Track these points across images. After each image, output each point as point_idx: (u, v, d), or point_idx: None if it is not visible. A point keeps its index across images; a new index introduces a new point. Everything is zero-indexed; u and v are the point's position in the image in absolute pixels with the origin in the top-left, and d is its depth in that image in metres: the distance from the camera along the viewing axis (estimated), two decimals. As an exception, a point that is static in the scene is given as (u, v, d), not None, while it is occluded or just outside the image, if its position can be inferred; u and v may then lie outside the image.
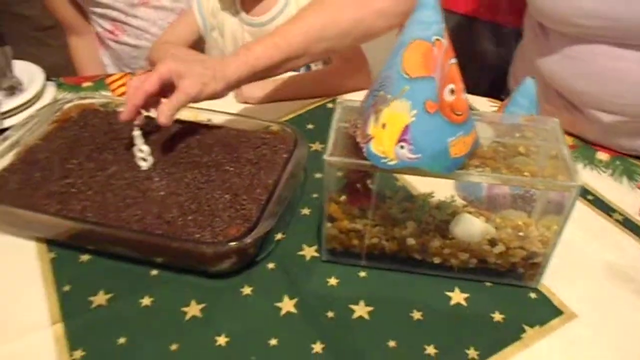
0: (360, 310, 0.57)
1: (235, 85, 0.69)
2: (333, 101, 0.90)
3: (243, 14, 0.99)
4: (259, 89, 0.88)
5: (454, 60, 0.49)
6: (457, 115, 0.50)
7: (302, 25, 0.72)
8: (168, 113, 0.64)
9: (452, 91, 0.49)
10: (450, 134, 0.50)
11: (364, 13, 0.74)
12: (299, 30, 0.72)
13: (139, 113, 0.65)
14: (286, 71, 0.76)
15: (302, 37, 0.71)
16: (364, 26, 0.75)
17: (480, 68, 1.19)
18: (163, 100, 0.65)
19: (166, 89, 0.65)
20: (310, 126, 0.84)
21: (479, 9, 1.17)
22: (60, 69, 1.22)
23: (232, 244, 0.56)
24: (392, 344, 0.54)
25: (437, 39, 0.47)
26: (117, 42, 1.14)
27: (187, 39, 1.04)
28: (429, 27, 0.47)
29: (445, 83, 0.49)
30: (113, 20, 1.11)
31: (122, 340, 0.54)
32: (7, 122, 0.76)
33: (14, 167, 0.68)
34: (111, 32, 1.13)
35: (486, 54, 1.21)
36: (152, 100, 0.65)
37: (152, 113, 0.65)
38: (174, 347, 0.53)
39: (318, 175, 0.75)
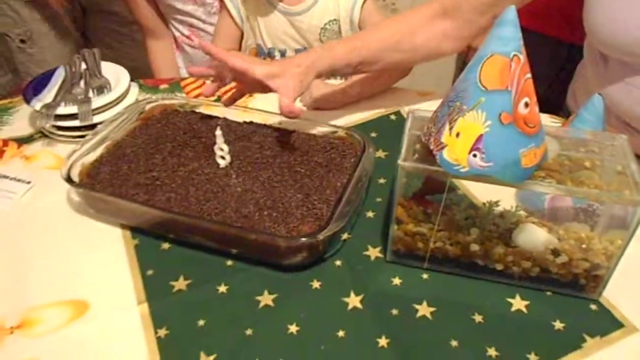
0: (423, 309, 0.60)
1: (317, 76, 0.76)
2: (395, 113, 0.93)
3: (278, 4, 1.03)
4: (327, 88, 0.93)
5: (529, 76, 0.52)
6: (530, 127, 0.52)
7: (382, 34, 0.79)
8: (295, 111, 0.71)
9: (527, 104, 0.52)
10: (522, 145, 0.52)
11: (432, 34, 0.79)
12: (378, 37, 0.78)
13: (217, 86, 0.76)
14: (358, 73, 0.82)
15: (380, 44, 0.77)
16: (431, 47, 0.80)
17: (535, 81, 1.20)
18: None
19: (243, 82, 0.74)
20: (373, 134, 0.87)
21: (532, 21, 1.18)
22: (143, 61, 1.30)
23: (305, 239, 0.60)
24: (454, 343, 0.56)
25: (515, 55, 0.50)
26: (192, 46, 1.22)
27: (234, 37, 1.10)
28: (508, 43, 0.50)
29: (521, 97, 0.51)
30: (190, 26, 1.18)
31: (201, 322, 0.58)
32: (96, 118, 0.83)
33: (104, 159, 0.74)
34: (188, 37, 1.21)
35: (540, 67, 1.22)
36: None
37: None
38: (249, 331, 0.57)
39: (381, 181, 0.78)
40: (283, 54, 1.09)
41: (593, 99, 0.68)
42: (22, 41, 1.46)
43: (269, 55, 1.09)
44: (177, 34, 1.23)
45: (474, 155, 0.53)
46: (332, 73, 0.78)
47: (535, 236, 0.61)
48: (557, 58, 1.20)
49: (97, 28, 1.55)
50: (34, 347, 0.56)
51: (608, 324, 0.59)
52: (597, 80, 0.84)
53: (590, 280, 0.60)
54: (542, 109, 0.93)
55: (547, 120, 0.92)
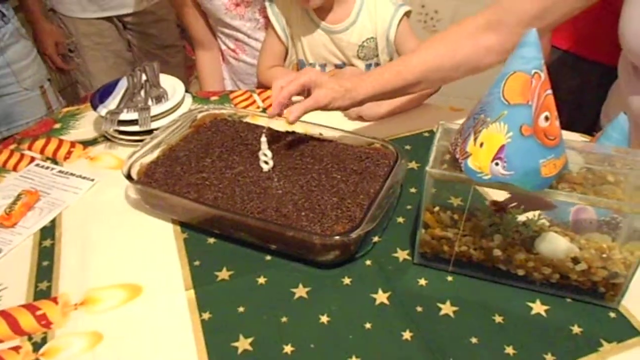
0: (447, 308, 0.64)
1: (359, 104, 0.81)
2: (428, 131, 0.98)
3: (318, 21, 1.11)
4: (376, 107, 0.98)
5: (549, 92, 0.56)
6: (550, 139, 0.56)
7: (424, 57, 0.82)
8: (297, 114, 0.77)
9: (547, 118, 0.56)
10: (542, 155, 0.56)
11: (474, 49, 0.82)
12: (420, 61, 0.82)
13: (281, 111, 0.79)
14: (402, 95, 0.87)
15: (422, 67, 0.81)
16: (473, 61, 0.83)
17: (579, 103, 1.21)
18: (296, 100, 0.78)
19: (301, 93, 0.79)
20: (407, 147, 0.92)
21: (581, 47, 1.21)
22: None
23: (338, 238, 0.66)
24: (474, 340, 0.60)
25: (536, 72, 0.54)
26: (236, 59, 1.30)
27: (280, 53, 1.18)
28: (530, 62, 0.54)
29: (541, 111, 0.55)
30: (236, 40, 1.27)
31: (241, 309, 0.64)
32: (154, 124, 0.91)
33: (159, 160, 0.82)
34: (233, 51, 1.29)
35: (585, 90, 1.24)
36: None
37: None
38: (284, 319, 0.63)
39: (413, 190, 0.83)
40: (323, 68, 1.16)
41: (619, 117, 0.71)
42: (70, 50, 1.60)
43: None
44: (223, 47, 1.32)
45: (496, 164, 0.57)
46: (378, 98, 0.82)
47: (556, 244, 0.64)
48: (606, 83, 1.21)
49: (134, 46, 1.68)
50: (95, 322, 0.63)
51: (626, 331, 0.61)
52: (630, 96, 0.86)
53: (609, 289, 0.63)
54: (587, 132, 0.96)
55: (578, 139, 0.94)
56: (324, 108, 0.78)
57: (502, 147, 0.56)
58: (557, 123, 0.57)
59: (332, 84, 0.78)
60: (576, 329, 0.61)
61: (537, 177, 0.57)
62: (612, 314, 0.63)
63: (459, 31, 0.83)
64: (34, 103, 1.32)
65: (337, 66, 1.15)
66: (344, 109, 0.81)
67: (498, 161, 0.57)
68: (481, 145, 0.58)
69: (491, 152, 0.57)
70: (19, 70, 1.27)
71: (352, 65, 1.14)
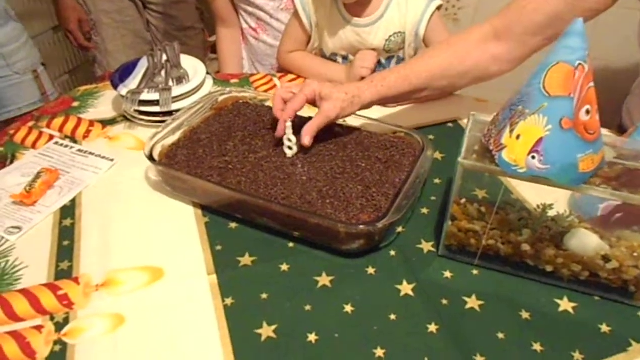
0: (472, 302, 0.63)
1: (367, 107, 0.80)
2: (452, 122, 0.96)
3: (346, 15, 1.08)
4: None
5: (592, 84, 0.55)
6: (590, 134, 0.55)
7: (430, 62, 0.81)
8: (311, 135, 0.76)
9: (588, 112, 0.54)
10: (581, 150, 0.55)
11: (482, 57, 0.80)
12: (427, 67, 0.80)
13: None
14: (407, 100, 0.86)
15: (428, 73, 0.80)
16: (480, 69, 0.82)
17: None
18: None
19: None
20: (431, 137, 0.91)
21: None
22: None
23: (364, 227, 0.65)
24: (500, 335, 0.59)
25: (580, 64, 0.53)
26: (257, 39, 1.28)
27: (302, 40, 1.15)
28: (575, 52, 0.52)
29: (583, 104, 0.54)
30: (258, 19, 1.25)
31: (264, 295, 0.63)
32: (175, 106, 0.90)
33: (181, 143, 0.80)
34: (254, 30, 1.27)
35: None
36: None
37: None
38: (307, 307, 0.62)
39: (437, 181, 0.81)
40: (345, 59, 1.13)
41: (654, 113, 0.69)
42: (91, 28, 1.59)
43: (331, 58, 1.14)
44: (244, 25, 1.30)
45: (533, 157, 0.55)
46: (382, 102, 0.81)
47: (586, 241, 0.63)
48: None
49: (158, 28, 1.66)
50: (117, 304, 0.62)
51: (655, 331, 0.60)
52: None
53: (640, 288, 0.62)
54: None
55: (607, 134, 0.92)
56: (335, 119, 0.78)
57: (539, 140, 0.55)
58: (597, 117, 0.56)
59: (337, 93, 0.76)
60: (605, 328, 0.60)
61: (574, 172, 0.55)
62: (642, 314, 0.62)
63: (466, 39, 0.81)
64: (26, 88, 1.29)
65: None
66: (352, 114, 0.79)
67: (535, 154, 0.55)
68: (517, 137, 0.56)
69: (528, 144, 0.55)
70: (9, 54, 1.24)
71: None
